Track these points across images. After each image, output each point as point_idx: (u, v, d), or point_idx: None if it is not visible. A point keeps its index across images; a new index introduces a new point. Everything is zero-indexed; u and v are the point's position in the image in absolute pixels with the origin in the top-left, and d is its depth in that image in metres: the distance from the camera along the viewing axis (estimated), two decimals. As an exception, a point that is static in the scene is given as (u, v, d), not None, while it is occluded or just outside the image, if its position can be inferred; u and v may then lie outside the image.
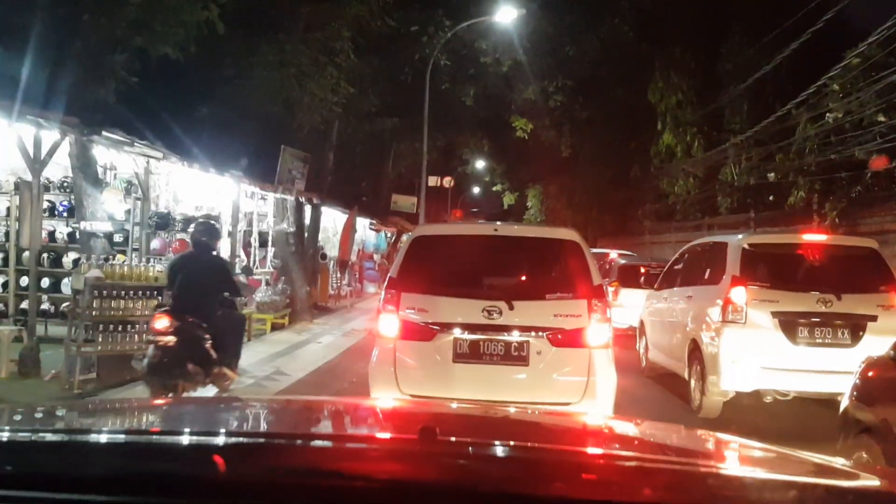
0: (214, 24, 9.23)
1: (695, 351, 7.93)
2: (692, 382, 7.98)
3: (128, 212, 10.76)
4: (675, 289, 9.25)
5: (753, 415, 7.52)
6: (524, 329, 5.43)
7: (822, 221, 15.10)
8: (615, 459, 1.68)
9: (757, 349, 7.15)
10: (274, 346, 11.17)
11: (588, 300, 5.48)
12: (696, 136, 24.04)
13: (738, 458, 1.87)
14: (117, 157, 10.06)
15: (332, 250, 20.68)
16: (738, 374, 7.20)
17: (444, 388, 5.34)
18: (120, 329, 8.27)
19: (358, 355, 11.20)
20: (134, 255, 10.62)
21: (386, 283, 5.87)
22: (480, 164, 41.55)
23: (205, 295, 6.84)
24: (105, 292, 8.14)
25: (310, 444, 1.64)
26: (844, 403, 4.44)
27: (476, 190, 52.75)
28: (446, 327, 5.48)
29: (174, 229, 10.68)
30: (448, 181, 41.79)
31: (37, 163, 8.24)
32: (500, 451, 1.63)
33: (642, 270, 12.90)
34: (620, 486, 1.35)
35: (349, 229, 19.13)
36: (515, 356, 5.42)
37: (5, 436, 1.54)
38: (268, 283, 13.75)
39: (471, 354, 5.44)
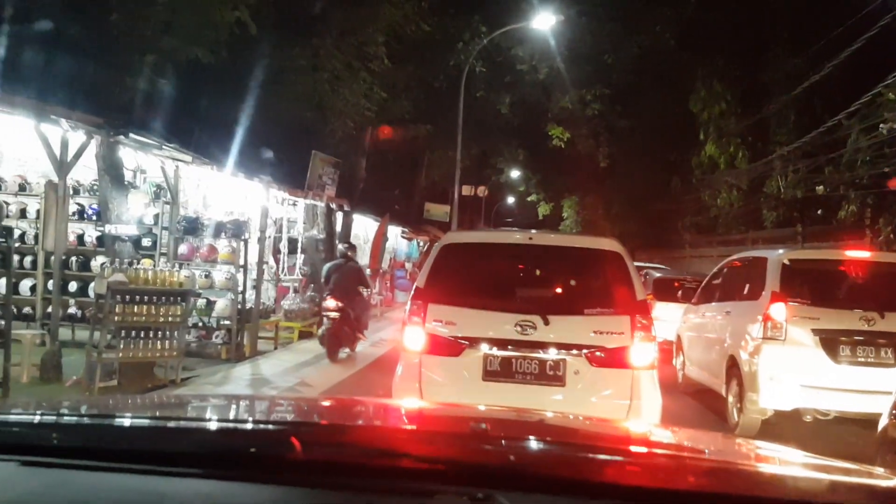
0: (246, 24, 8.98)
1: (733, 367, 7.75)
2: (730, 399, 7.80)
3: (156, 216, 10.60)
4: (713, 304, 9.07)
5: (792, 434, 7.21)
6: (561, 346, 5.06)
7: (876, 237, 14.42)
8: (659, 449, 1.88)
9: (797, 367, 6.99)
10: (300, 356, 10.91)
11: (631, 316, 5.08)
12: (740, 146, 23.34)
13: (777, 459, 1.92)
14: (146, 160, 9.91)
15: (364, 258, 20.45)
16: (777, 391, 7.05)
17: None
18: (143, 335, 8.06)
19: (385, 366, 10.84)
20: (162, 259, 10.46)
21: (412, 293, 5.52)
22: (515, 173, 41.12)
23: (349, 289, 10.95)
24: (128, 297, 7.94)
25: (373, 428, 1.84)
26: (883, 423, 4.30)
27: (510, 200, 52.26)
28: (476, 342, 5.12)
29: (202, 234, 10.47)
30: (482, 190, 41.45)
31: (63, 164, 8.09)
32: (549, 439, 1.75)
33: (676, 284, 12.77)
34: (665, 472, 1.45)
35: (380, 237, 18.89)
36: (551, 376, 5.04)
37: (126, 420, 1.75)
38: (296, 291, 13.51)
39: (502, 372, 5.07)
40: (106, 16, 7.84)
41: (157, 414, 1.95)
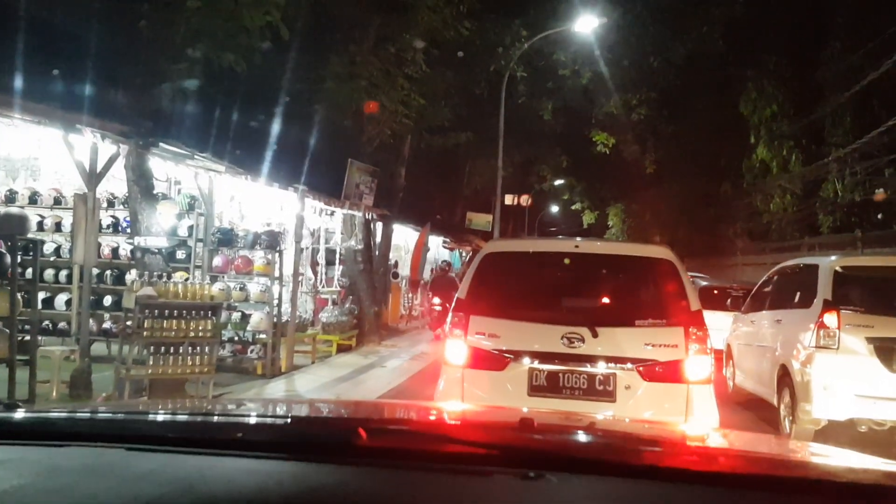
0: (278, 29, 8.73)
1: (784, 377, 7.65)
2: (781, 409, 7.70)
3: (190, 228, 10.41)
4: (763, 312, 8.94)
5: (847, 445, 6.47)
6: (610, 360, 4.78)
7: (945, 241, 13.53)
8: (695, 441, 2.07)
9: (851, 376, 6.84)
10: (338, 370, 10.58)
11: (685, 328, 4.77)
12: (794, 149, 22.46)
13: (812, 454, 1.98)
14: (179, 170, 9.72)
15: (405, 269, 20.13)
16: (830, 401, 6.91)
17: None
18: (173, 351, 7.80)
19: (425, 381, 10.47)
20: (196, 272, 10.27)
21: (453, 304, 5.26)
22: (559, 181, 40.50)
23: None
24: (157, 311, 7.69)
25: (431, 421, 2.12)
26: None
27: (554, 209, 51.56)
28: (520, 356, 4.87)
29: (237, 246, 10.25)
30: (525, 199, 40.89)
31: (93, 176, 7.92)
32: (593, 427, 1.96)
33: (716, 293, 12.95)
34: (700, 455, 1.68)
35: (421, 247, 18.54)
36: (600, 391, 4.76)
37: (216, 416, 2.04)
38: (334, 303, 13.22)
39: (548, 388, 4.81)
40: (134, 23, 7.64)
41: (239, 410, 2.24)
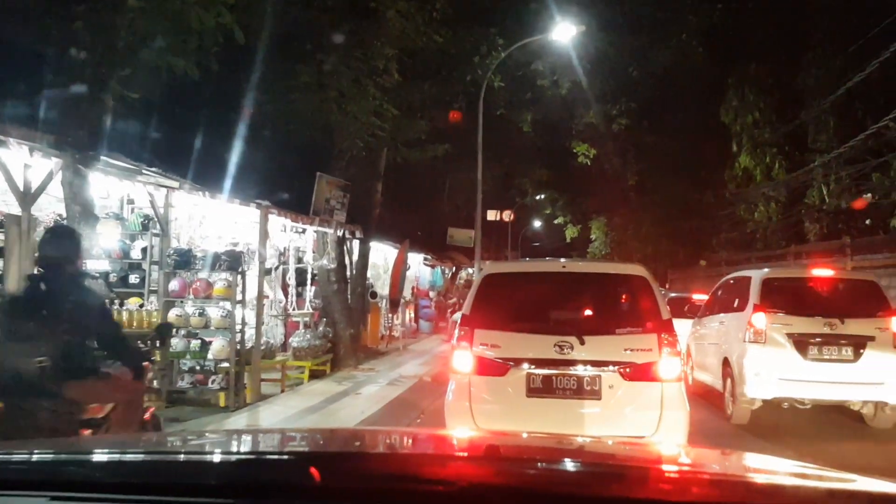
0: (233, 32, 8.04)
1: (727, 367, 9.41)
2: (726, 395, 9.45)
3: (144, 249, 9.65)
4: (712, 316, 10.68)
5: (778, 421, 9.04)
6: (596, 364, 5.52)
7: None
8: (663, 465, 2.09)
9: (775, 364, 8.62)
10: (308, 399, 9.82)
11: (658, 334, 5.56)
12: (777, 156, 22.12)
13: (778, 470, 1.99)
14: (128, 187, 8.98)
15: (384, 288, 19.40)
16: (761, 384, 8.67)
17: (519, 422, 5.51)
18: (119, 385, 7.03)
19: (402, 409, 9.78)
20: (152, 297, 9.51)
21: (459, 320, 6.01)
22: (540, 195, 40.04)
23: None
24: (98, 342, 6.93)
25: (388, 455, 2.05)
26: None
27: (537, 223, 51.11)
28: (519, 362, 5.59)
29: (196, 268, 9.50)
30: (508, 215, 40.40)
31: (27, 194, 7.18)
32: (554, 460, 1.94)
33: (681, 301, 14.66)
34: (672, 484, 1.63)
35: (400, 265, 17.83)
36: (588, 390, 5.51)
37: (150, 455, 1.89)
38: (307, 326, 12.45)
39: (544, 389, 5.54)
40: (68, 25, 6.93)
41: (181, 448, 2.08)
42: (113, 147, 7.85)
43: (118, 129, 8.17)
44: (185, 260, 9.45)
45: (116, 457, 1.82)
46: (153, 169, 8.23)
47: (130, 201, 10.00)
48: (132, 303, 9.10)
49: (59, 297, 4.44)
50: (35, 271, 5.74)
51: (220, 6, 7.52)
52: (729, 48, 22.97)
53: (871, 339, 8.47)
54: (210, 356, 9.39)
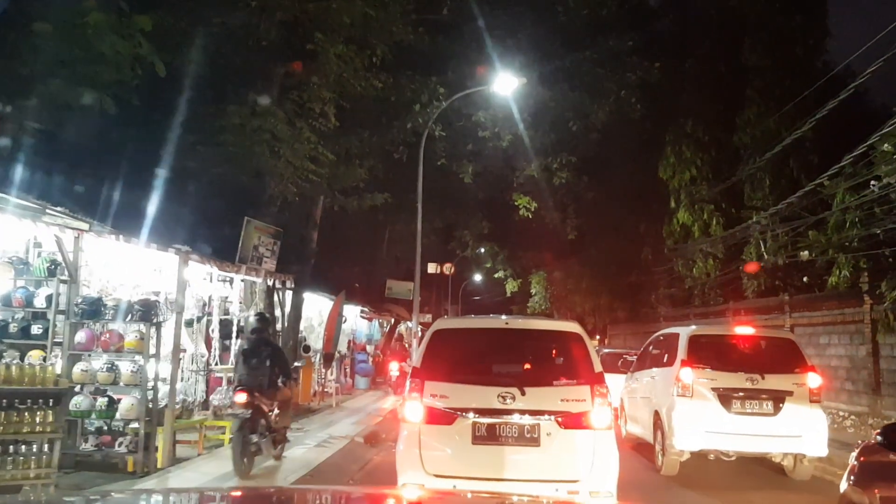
0: (153, 64, 7.46)
1: (657, 420, 9.70)
2: (657, 447, 9.71)
3: (49, 297, 8.76)
4: (644, 371, 11.06)
5: (705, 472, 9.47)
6: (535, 413, 5.87)
7: (878, 304, 13.09)
8: None
9: (701, 417, 8.99)
10: (226, 464, 8.90)
11: (591, 386, 5.98)
12: (714, 213, 22.34)
13: None
14: (35, 229, 8.17)
15: (318, 342, 18.57)
16: (687, 436, 9.00)
17: (465, 467, 5.81)
18: (5, 451, 6.16)
19: (329, 475, 9.00)
20: (56, 350, 8.61)
21: (410, 372, 6.34)
22: (481, 249, 39.84)
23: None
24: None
25: None
26: (843, 487, 4.69)
27: (478, 277, 50.84)
28: (466, 412, 5.90)
29: (106, 318, 8.67)
30: (448, 268, 39.98)
31: None
32: None
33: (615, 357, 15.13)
34: None
35: (335, 318, 17.11)
36: (528, 437, 5.85)
37: None
38: (230, 383, 11.56)
39: (488, 437, 5.86)
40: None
41: None
42: (12, 184, 7.07)
43: (25, 165, 7.41)
44: (94, 309, 8.64)
45: None
46: (59, 209, 7.47)
47: (37, 244, 9.14)
48: (34, 356, 8.16)
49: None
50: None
51: (137, 34, 6.93)
52: (667, 105, 23.38)
53: (790, 393, 8.97)
54: (118, 415, 8.52)
